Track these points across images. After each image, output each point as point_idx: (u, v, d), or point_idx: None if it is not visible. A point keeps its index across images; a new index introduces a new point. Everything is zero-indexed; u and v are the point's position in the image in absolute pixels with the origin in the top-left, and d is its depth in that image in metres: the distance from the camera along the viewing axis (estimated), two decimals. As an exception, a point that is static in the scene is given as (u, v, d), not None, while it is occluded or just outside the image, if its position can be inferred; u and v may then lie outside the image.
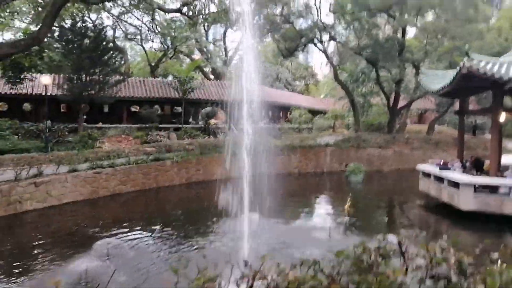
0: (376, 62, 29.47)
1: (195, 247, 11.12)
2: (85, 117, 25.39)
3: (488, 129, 34.60)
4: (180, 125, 28.39)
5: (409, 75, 32.46)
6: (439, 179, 15.88)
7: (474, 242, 12.59)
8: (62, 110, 28.27)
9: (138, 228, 13.14)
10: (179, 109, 30.89)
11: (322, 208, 18.02)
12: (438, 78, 17.84)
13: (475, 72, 13.41)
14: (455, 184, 14.52)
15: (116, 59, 25.82)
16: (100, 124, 26.95)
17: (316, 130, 34.28)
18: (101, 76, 23.40)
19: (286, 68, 58.95)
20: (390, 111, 32.20)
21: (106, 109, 29.65)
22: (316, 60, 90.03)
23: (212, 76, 43.04)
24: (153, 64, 41.19)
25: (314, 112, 40.98)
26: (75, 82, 22.86)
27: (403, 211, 17.84)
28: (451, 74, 16.01)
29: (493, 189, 13.91)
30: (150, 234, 12.45)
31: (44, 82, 20.22)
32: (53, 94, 24.44)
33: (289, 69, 59.96)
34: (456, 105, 26.46)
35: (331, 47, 39.36)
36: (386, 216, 16.66)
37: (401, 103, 32.81)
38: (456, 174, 15.12)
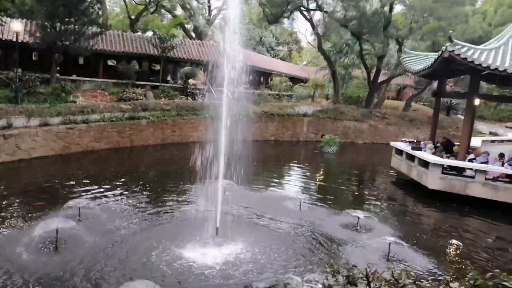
0: (361, 35, 29.26)
1: (168, 210, 11.18)
2: (58, 68, 24.36)
3: (461, 110, 35.45)
4: (157, 84, 27.71)
5: (392, 51, 32.51)
6: (411, 157, 16.32)
7: (437, 219, 13.19)
8: (34, 59, 26.99)
9: (111, 187, 13.04)
10: (158, 66, 30.06)
11: (295, 178, 18.31)
12: (420, 59, 17.95)
13: (457, 57, 13.55)
14: (425, 164, 14.97)
15: (94, 9, 24.52)
16: (74, 77, 25.97)
17: (296, 98, 34.24)
18: (77, 26, 22.26)
19: (270, 32, 57.80)
20: (370, 85, 32.41)
21: (81, 62, 28.48)
22: (301, 26, 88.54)
23: (193, 35, 41.78)
24: (132, 17, 39.49)
25: (295, 80, 40.80)
26: (48, 30, 21.68)
27: (373, 185, 18.35)
28: (432, 56, 16.13)
29: (459, 171, 14.43)
30: (123, 194, 12.39)
31: (15, 28, 19.09)
32: (25, 41, 23.22)
33: (273, 33, 58.82)
34: (434, 84, 26.86)
35: (317, 16, 38.66)
36: (357, 188, 17.11)
37: (381, 78, 33.01)
38: (426, 154, 15.55)
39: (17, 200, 11.08)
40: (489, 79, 17.00)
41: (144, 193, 12.78)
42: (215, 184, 9.70)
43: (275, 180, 16.91)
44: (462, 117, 25.04)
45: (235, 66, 9.71)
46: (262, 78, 40.99)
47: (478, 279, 1.97)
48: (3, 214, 9.83)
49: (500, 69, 13.18)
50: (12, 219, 9.52)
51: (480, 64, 13.49)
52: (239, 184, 13.49)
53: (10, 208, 10.30)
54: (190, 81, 28.73)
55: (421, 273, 8.03)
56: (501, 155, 14.83)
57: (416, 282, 1.97)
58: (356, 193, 16.22)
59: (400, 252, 8.89)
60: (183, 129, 22.90)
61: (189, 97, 26.46)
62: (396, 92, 43.92)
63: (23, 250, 7.68)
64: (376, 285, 1.83)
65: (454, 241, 10.49)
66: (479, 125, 32.01)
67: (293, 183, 17.11)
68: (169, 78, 30.92)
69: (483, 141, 22.41)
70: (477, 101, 16.58)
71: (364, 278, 1.89)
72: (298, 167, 20.76)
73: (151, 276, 6.96)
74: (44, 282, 6.68)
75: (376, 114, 31.18)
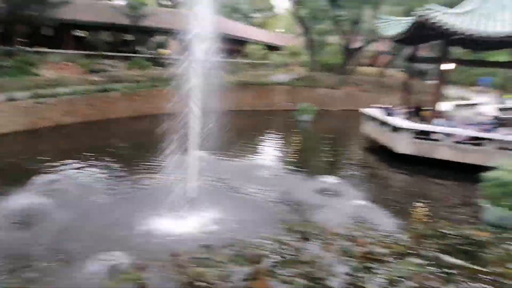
0: (336, 0, 28.93)
1: (141, 183, 11.18)
2: (22, 40, 23.33)
3: (434, 75, 35.93)
4: (129, 55, 26.97)
5: (367, 17, 32.31)
6: (381, 123, 16.63)
7: (405, 182, 13.65)
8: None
9: (82, 161, 12.88)
10: (129, 37, 29.16)
11: (270, 147, 18.47)
12: (394, 24, 17.92)
13: (430, 22, 13.62)
14: (395, 129, 15.30)
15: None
16: (40, 49, 24.97)
17: (272, 67, 33.97)
18: (40, -6, 21.21)
19: (245, -1, 56.42)
20: (345, 52, 32.38)
21: (47, 33, 27.33)
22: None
23: (166, 3, 40.46)
24: (100, -16, 37.76)
25: (271, 48, 40.28)
26: (9, -1, 20.59)
27: (346, 151, 18.74)
28: (407, 21, 16.14)
29: (428, 135, 14.83)
30: (94, 168, 12.28)
31: (-28, -3, 18.07)
32: (-15, 12, 22.02)
33: (248, 0, 57.44)
34: (408, 51, 27.00)
35: (292, -20, 37.80)
36: (330, 155, 17.42)
37: (357, 44, 32.97)
38: (396, 119, 15.86)
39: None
40: (460, 43, 17.27)
41: (117, 166, 12.69)
42: (189, 155, 9.72)
43: (251, 149, 17.03)
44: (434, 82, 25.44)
45: (208, 34, 9.52)
46: (237, 46, 40.35)
47: (421, 228, 2.11)
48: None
49: (472, 33, 13.34)
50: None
51: (453, 29, 13.62)
52: (214, 154, 13.58)
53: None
54: (164, 51, 28.06)
55: (385, 231, 8.39)
56: (467, 118, 15.27)
57: (367, 234, 2.08)
58: (330, 160, 16.53)
59: (368, 214, 9.23)
60: (157, 100, 22.51)
61: (163, 68, 25.91)
62: (371, 58, 44.02)
63: (-10, 227, 7.62)
64: (329, 240, 1.93)
65: (420, 202, 10.94)
66: (450, 90, 32.61)
67: (268, 152, 17.27)
68: (141, 49, 30.10)
69: (453, 105, 23.01)
70: (449, 66, 16.84)
71: (318, 234, 1.99)
72: (273, 136, 20.90)
73: (125, 247, 7.04)
74: (14, 258, 6.68)
75: (351, 80, 31.35)
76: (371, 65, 41.90)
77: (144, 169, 12.53)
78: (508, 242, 1.78)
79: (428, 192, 12.33)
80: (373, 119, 17.49)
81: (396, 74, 38.35)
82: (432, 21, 13.35)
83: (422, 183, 13.47)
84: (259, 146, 18.43)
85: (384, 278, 1.51)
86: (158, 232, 7.85)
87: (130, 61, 25.66)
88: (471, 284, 1.61)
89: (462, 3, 17.15)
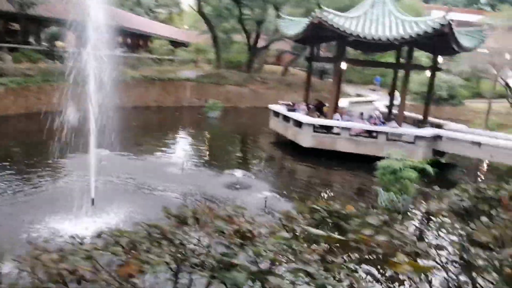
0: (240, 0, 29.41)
1: (37, 185, 10.19)
2: None
3: (332, 74, 38.59)
4: (17, 46, 24.27)
5: (271, 16, 33.41)
6: (286, 119, 17.37)
7: (310, 173, 14.46)
8: None
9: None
10: (16, 26, 26.24)
11: (178, 143, 18.17)
12: (294, 24, 18.81)
13: (324, 23, 14.56)
14: (299, 124, 16.10)
15: None
16: None
17: (179, 63, 33.36)
18: None
19: (149, -7, 54.42)
20: (250, 50, 33.11)
21: None
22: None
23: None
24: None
25: (176, 44, 39.48)
26: None
27: (254, 146, 19.23)
28: (304, 22, 17.05)
29: (328, 129, 15.88)
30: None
31: None
32: None
33: (151, -6, 55.49)
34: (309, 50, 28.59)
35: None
36: (238, 150, 17.72)
37: (261, 43, 33.90)
38: (300, 115, 16.71)
39: None
40: (354, 45, 18.77)
41: (7, 169, 11.39)
42: (88, 154, 9.12)
43: (158, 146, 16.55)
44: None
45: (107, 26, 9.00)
46: (141, 41, 38.81)
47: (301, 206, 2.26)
48: None
49: (361, 36, 14.57)
50: None
51: (345, 31, 14.72)
52: (118, 153, 12.92)
53: None
54: (58, 43, 25.79)
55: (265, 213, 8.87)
56: (361, 114, 16.69)
57: (247, 216, 2.15)
58: (238, 154, 16.80)
59: (275, 204, 9.60)
60: (51, 96, 20.62)
61: (57, 61, 23.80)
62: (276, 57, 45.69)
63: None
64: (207, 220, 1.94)
65: (322, 190, 11.69)
66: (347, 88, 35.35)
67: (176, 148, 16.96)
68: (31, 40, 27.29)
69: (349, 102, 24.99)
70: (344, 65, 18.19)
71: (194, 215, 2.00)
72: (181, 132, 20.60)
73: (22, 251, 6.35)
74: None
75: (257, 78, 32.19)
76: (276, 63, 43.47)
77: (39, 171, 11.43)
78: (379, 216, 2.01)
79: (329, 181, 13.24)
80: (280, 115, 18.18)
81: (299, 73, 40.35)
82: (326, 23, 14.29)
83: (325, 173, 14.41)
84: (167, 143, 17.99)
85: (252, 253, 1.62)
86: (56, 235, 7.24)
87: (18, 53, 23.12)
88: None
89: (353, 9, 18.67)
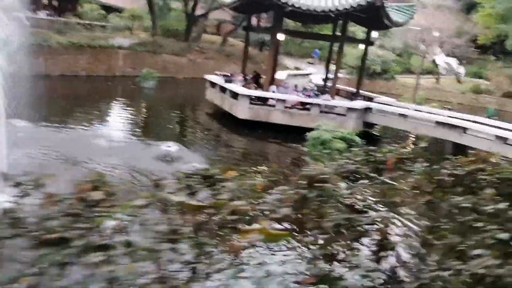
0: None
1: None
2: None
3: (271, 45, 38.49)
4: None
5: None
6: (223, 90, 17.10)
7: (245, 145, 14.47)
8: None
9: None
10: None
11: (110, 115, 17.29)
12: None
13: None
14: (235, 95, 15.92)
15: None
16: None
17: (112, 29, 31.37)
18: None
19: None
20: (188, 18, 31.93)
21: None
22: None
23: None
24: None
25: (109, 9, 37.03)
26: None
27: (190, 117, 18.82)
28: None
29: (264, 101, 15.88)
30: None
31: None
32: None
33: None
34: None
35: None
36: (173, 121, 17.25)
37: (201, 11, 32.79)
38: (236, 86, 16.51)
39: None
40: (291, 16, 18.67)
41: None
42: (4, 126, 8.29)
43: (86, 118, 15.59)
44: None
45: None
46: (68, 5, 35.88)
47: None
48: None
49: (296, 6, 14.47)
50: None
51: (280, 0, 14.52)
52: (39, 124, 11.99)
53: None
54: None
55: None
56: (296, 86, 16.85)
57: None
58: (172, 126, 16.36)
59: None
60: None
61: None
62: (216, 27, 44.60)
63: None
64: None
65: (257, 162, 11.74)
66: (286, 60, 35.54)
67: (106, 120, 16.13)
68: None
69: (287, 74, 25.14)
70: (281, 37, 18.10)
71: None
72: (113, 103, 19.58)
73: None
74: None
75: (195, 48, 31.28)
76: (216, 33, 42.46)
77: None
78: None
79: (265, 152, 13.34)
80: (216, 86, 17.84)
81: (239, 44, 39.77)
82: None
83: (260, 145, 14.47)
84: (98, 114, 17.02)
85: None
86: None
87: None
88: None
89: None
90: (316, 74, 27.54)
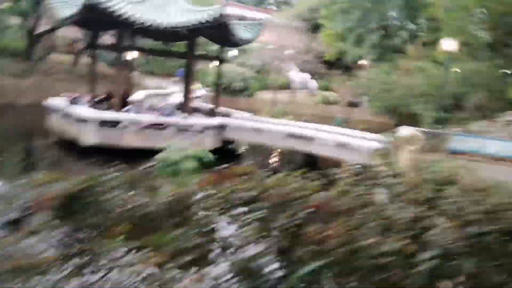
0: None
1: None
2: None
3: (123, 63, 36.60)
4: None
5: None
6: (66, 114, 15.24)
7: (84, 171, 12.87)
8: None
9: None
10: None
11: None
12: (70, 5, 16.63)
13: (98, 6, 13.14)
14: (80, 119, 14.30)
15: None
16: None
17: None
18: None
19: None
20: (29, 35, 28.42)
21: None
22: None
23: None
24: None
25: None
26: None
27: (29, 150, 16.42)
28: (80, 3, 15.16)
29: (115, 124, 14.57)
30: None
31: None
32: None
33: None
34: (107, 39, 26.09)
35: None
36: (6, 157, 14.73)
37: (43, 28, 29.42)
38: (82, 109, 14.90)
39: None
40: (141, 33, 17.71)
41: None
42: None
43: None
44: (137, 73, 25.82)
45: None
46: None
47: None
48: None
49: (139, 22, 13.71)
50: None
51: (122, 16, 13.61)
52: None
53: None
54: None
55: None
56: (150, 106, 16.03)
57: None
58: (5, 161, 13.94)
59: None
60: None
61: None
62: (69, 45, 40.89)
63: None
64: None
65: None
66: (147, 80, 34.32)
67: None
68: None
69: (146, 94, 24.02)
70: (131, 55, 17.10)
71: None
72: None
73: None
74: None
75: (42, 69, 28.00)
76: (70, 52, 38.87)
77: None
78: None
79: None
80: (58, 111, 15.83)
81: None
82: (99, 5, 12.96)
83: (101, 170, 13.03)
84: None
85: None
86: None
87: None
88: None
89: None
90: (180, 93, 27.00)
